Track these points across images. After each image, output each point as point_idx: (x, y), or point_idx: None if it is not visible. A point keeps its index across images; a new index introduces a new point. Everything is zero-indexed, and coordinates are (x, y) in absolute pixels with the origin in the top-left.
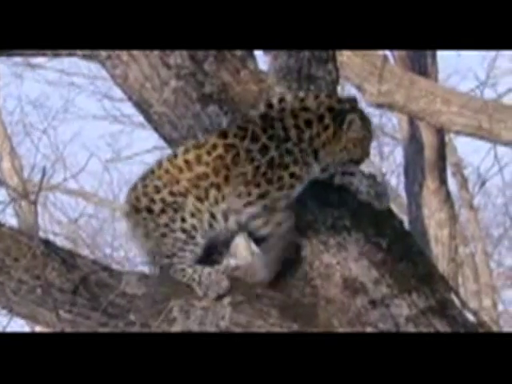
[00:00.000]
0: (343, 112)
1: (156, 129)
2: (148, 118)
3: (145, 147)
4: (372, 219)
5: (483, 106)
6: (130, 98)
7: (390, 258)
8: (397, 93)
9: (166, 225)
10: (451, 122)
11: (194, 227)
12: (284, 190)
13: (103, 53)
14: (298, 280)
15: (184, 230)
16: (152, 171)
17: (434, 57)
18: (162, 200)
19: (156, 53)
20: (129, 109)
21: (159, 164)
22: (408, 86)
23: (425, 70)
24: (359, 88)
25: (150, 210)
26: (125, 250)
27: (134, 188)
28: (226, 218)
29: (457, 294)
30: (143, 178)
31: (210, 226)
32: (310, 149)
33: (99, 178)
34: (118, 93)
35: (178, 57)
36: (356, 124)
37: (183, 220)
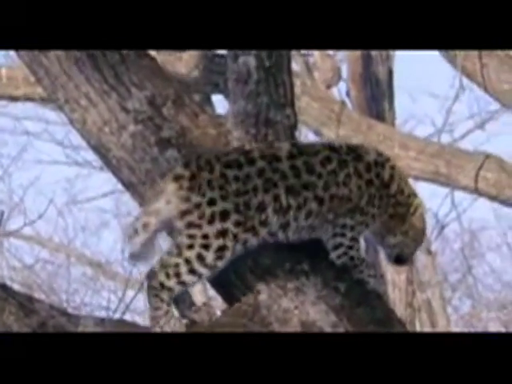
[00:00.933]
0: (413, 195)
1: (114, 173)
2: (106, 162)
3: (101, 191)
4: (330, 263)
5: (440, 151)
6: (88, 143)
7: (347, 303)
8: (354, 138)
9: (205, 236)
10: (409, 166)
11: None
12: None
13: (61, 97)
14: (255, 324)
15: (221, 249)
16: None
17: (391, 102)
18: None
19: (114, 97)
20: (87, 154)
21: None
22: (366, 131)
23: (382, 115)
24: (317, 133)
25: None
26: (80, 296)
27: (208, 161)
28: (284, 229)
29: None
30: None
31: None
32: (388, 208)
33: (54, 223)
34: (74, 139)
35: (136, 101)
36: (420, 211)
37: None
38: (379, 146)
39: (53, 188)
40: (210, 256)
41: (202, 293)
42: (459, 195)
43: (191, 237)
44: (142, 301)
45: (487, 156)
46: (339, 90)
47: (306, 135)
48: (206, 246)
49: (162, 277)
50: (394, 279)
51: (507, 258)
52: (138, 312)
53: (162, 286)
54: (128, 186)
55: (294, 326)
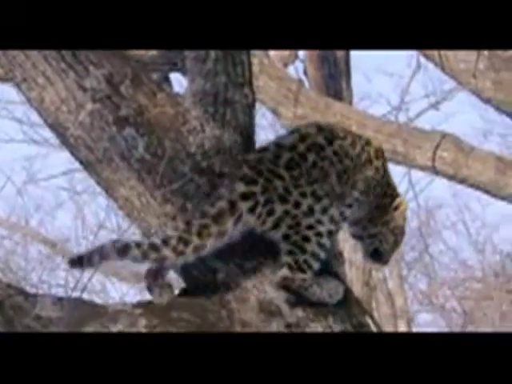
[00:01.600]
0: (397, 191)
1: (72, 152)
2: (64, 140)
3: (60, 170)
4: None
5: (398, 130)
6: (45, 121)
7: None
8: (312, 117)
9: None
10: None
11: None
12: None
13: (19, 75)
14: (213, 303)
15: (330, 232)
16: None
17: (348, 81)
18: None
19: (72, 76)
20: (46, 132)
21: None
22: (323, 110)
23: (340, 94)
24: (275, 112)
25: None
26: (38, 274)
27: (270, 170)
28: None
29: (372, 317)
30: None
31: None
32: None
33: (12, 202)
34: (33, 117)
35: (93, 80)
36: (403, 208)
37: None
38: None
39: (11, 166)
40: (326, 241)
41: None
42: (416, 174)
43: (297, 233)
44: (98, 280)
45: (444, 135)
46: (296, 69)
47: (263, 114)
48: (318, 234)
49: (299, 275)
50: (351, 258)
51: (463, 236)
52: (96, 291)
53: (304, 280)
54: (86, 164)
55: (251, 305)
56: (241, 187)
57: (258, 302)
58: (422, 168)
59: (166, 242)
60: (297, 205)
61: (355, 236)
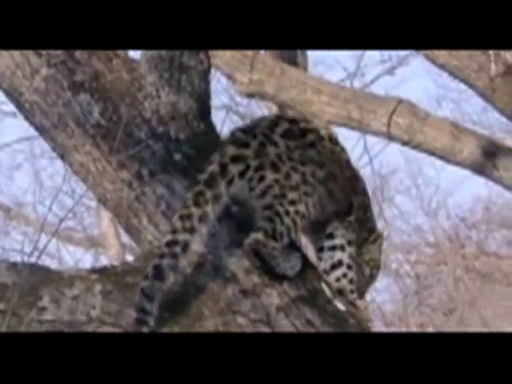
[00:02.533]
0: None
1: (27, 117)
2: (19, 106)
3: (14, 137)
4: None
5: (353, 95)
6: (0, 86)
7: None
8: (267, 82)
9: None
10: (322, 111)
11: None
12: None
13: None
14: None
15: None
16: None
17: None
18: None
19: None
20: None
21: None
22: (279, 76)
23: (295, 60)
24: (230, 77)
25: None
26: None
27: (265, 134)
28: None
29: (327, 283)
30: None
31: None
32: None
33: None
34: None
35: None
36: (380, 243)
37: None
38: (292, 91)
39: None
40: (299, 221)
41: (115, 238)
42: (371, 140)
43: (282, 204)
44: (52, 245)
45: (399, 101)
46: None
47: (218, 79)
48: (297, 212)
49: (271, 242)
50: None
51: (416, 201)
52: (50, 255)
53: (274, 248)
54: (41, 130)
55: (207, 271)
56: (231, 150)
57: (213, 268)
58: (377, 133)
59: (174, 230)
60: (287, 176)
61: None
